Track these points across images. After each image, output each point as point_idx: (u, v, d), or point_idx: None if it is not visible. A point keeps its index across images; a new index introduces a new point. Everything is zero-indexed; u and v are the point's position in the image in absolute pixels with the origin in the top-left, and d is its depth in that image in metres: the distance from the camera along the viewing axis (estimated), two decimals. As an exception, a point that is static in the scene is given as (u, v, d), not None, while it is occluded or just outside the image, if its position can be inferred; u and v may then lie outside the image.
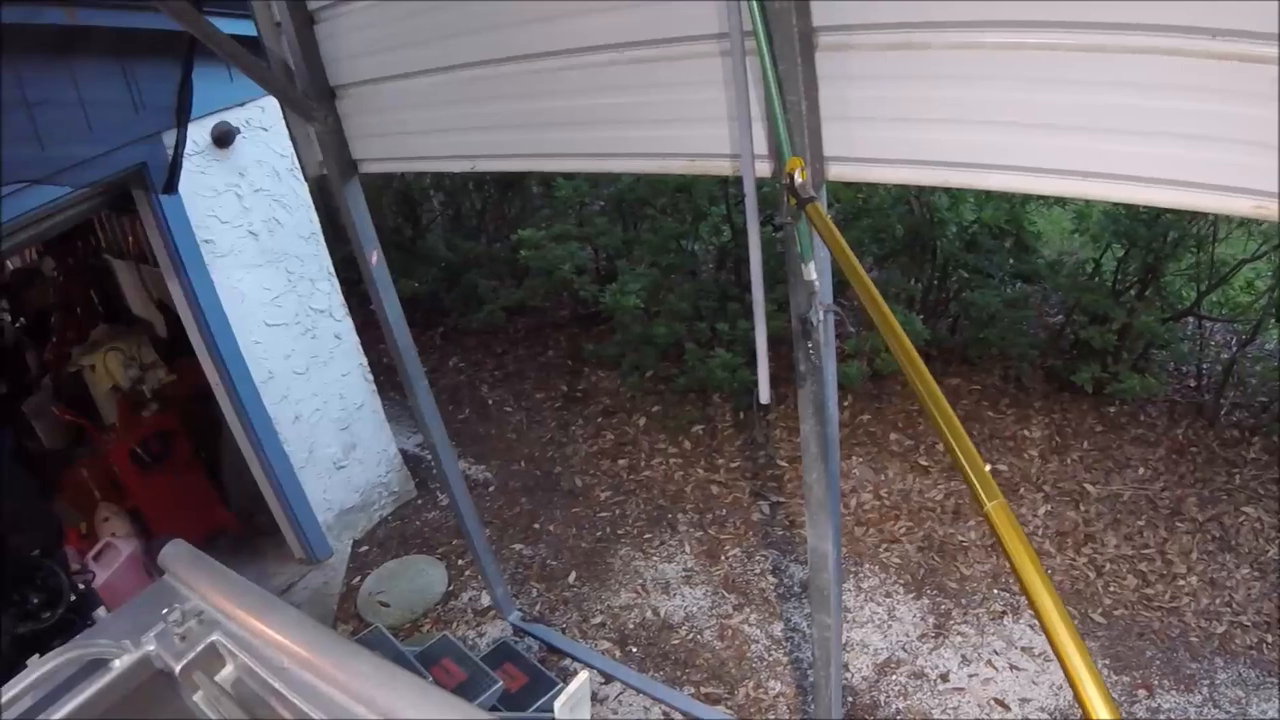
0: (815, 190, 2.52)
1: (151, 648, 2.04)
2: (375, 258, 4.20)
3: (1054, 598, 1.32)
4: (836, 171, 2.59)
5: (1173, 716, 4.52)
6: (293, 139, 4.03)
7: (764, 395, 2.84)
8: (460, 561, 6.18)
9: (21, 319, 8.91)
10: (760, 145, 2.60)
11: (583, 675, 3.29)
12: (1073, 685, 1.22)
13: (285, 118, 4.99)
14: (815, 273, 2.62)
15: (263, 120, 5.45)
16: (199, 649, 2.03)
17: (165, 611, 2.07)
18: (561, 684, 4.93)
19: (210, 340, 5.50)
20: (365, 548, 6.53)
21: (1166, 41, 1.93)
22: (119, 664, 1.99)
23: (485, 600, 5.75)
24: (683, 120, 2.81)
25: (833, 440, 3.02)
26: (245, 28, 3.91)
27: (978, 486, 1.40)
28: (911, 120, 2.38)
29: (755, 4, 2.27)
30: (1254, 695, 4.59)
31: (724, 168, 2.76)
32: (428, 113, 3.60)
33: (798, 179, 2.27)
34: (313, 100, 3.80)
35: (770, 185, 2.70)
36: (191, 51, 4.21)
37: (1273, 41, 1.78)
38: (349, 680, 1.80)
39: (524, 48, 3.05)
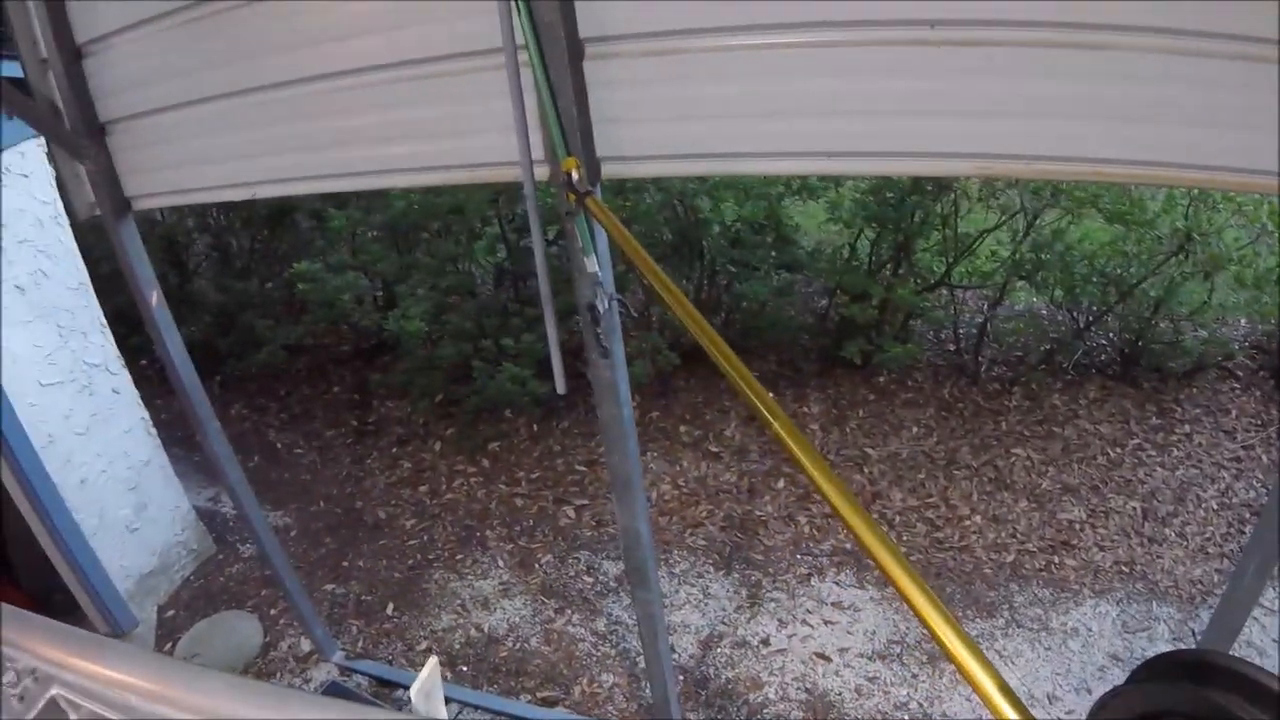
0: (592, 189, 2.71)
1: (-8, 718, 1.98)
2: (155, 298, 4.04)
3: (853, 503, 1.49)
4: (609, 170, 2.80)
5: (981, 640, 4.96)
6: (60, 181, 3.84)
7: (560, 386, 2.96)
8: (273, 611, 5.97)
9: None
10: (537, 151, 2.74)
11: (432, 661, 3.34)
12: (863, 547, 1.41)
13: (52, 159, 4.67)
14: (597, 264, 2.80)
15: (23, 166, 5.08)
16: (40, 706, 1.97)
17: (-3, 676, 2.01)
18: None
19: (-16, 407, 5.07)
20: (171, 612, 6.18)
21: (889, 34, 2.26)
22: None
23: (306, 645, 5.60)
24: (463, 132, 2.92)
25: (629, 421, 3.20)
26: (10, 69, 3.70)
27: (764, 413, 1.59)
28: (672, 119, 2.64)
29: (526, 19, 2.42)
30: (1051, 610, 5.18)
31: (504, 175, 2.88)
32: (204, 142, 3.51)
33: (574, 176, 2.44)
34: (82, 137, 3.62)
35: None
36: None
37: (984, 26, 2.13)
38: (202, 701, 1.81)
39: (306, 70, 3.07)
